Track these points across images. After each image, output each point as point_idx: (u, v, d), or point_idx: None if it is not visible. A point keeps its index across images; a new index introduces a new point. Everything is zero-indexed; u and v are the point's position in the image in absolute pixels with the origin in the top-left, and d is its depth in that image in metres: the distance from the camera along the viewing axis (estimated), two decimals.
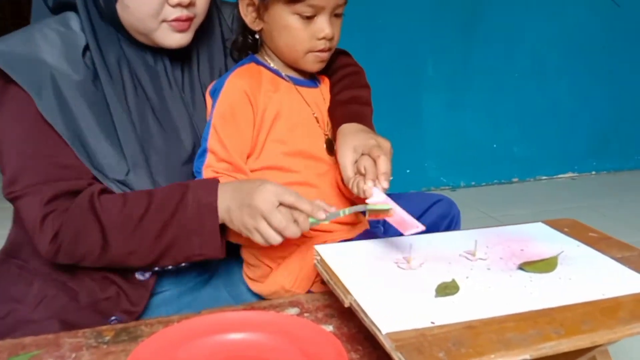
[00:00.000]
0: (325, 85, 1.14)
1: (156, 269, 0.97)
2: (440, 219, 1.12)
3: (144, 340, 0.75)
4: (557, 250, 0.87)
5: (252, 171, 1.02)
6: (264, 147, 1.03)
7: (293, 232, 0.87)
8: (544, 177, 3.11)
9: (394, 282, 0.79)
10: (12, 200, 0.93)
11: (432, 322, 0.68)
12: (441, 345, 0.64)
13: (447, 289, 0.76)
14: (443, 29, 2.75)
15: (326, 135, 1.08)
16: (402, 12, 2.65)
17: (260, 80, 1.03)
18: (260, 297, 1.05)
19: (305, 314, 0.88)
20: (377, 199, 0.88)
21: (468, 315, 0.70)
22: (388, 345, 0.65)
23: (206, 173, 0.97)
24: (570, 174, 3.16)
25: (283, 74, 1.07)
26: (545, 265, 0.83)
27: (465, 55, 2.82)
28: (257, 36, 1.06)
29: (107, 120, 0.95)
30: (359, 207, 0.90)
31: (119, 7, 0.93)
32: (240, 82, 1.01)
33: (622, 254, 0.90)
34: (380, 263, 0.85)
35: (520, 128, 2.99)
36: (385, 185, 0.90)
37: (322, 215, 0.89)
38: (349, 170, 0.95)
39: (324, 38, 0.99)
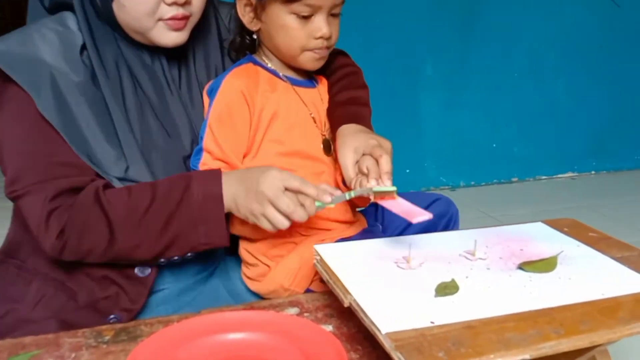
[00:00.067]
0: (323, 85, 1.14)
1: (162, 261, 0.97)
2: (438, 217, 1.11)
3: (143, 340, 0.75)
4: (557, 250, 0.88)
5: None
6: (260, 147, 1.03)
7: (300, 215, 0.88)
8: (544, 177, 3.11)
9: (393, 282, 0.79)
10: (14, 199, 0.93)
11: (432, 322, 0.68)
12: (441, 345, 0.64)
13: (446, 288, 0.76)
14: (441, 29, 2.75)
15: (323, 135, 1.08)
16: (399, 12, 2.65)
17: (257, 80, 1.03)
18: (259, 296, 1.05)
19: (305, 314, 0.88)
20: None
21: (468, 315, 0.70)
22: (388, 345, 0.65)
23: None
24: (569, 174, 3.16)
25: (281, 74, 1.07)
26: (544, 265, 0.83)
27: (463, 54, 2.82)
28: (254, 36, 1.06)
29: (106, 119, 0.95)
30: (365, 190, 0.90)
31: (115, 6, 0.93)
32: (237, 82, 1.01)
33: (622, 253, 0.90)
34: (379, 263, 0.85)
35: (518, 128, 2.99)
36: (388, 184, 0.90)
37: (328, 199, 0.89)
38: (350, 171, 0.95)
39: (321, 37, 0.99)
